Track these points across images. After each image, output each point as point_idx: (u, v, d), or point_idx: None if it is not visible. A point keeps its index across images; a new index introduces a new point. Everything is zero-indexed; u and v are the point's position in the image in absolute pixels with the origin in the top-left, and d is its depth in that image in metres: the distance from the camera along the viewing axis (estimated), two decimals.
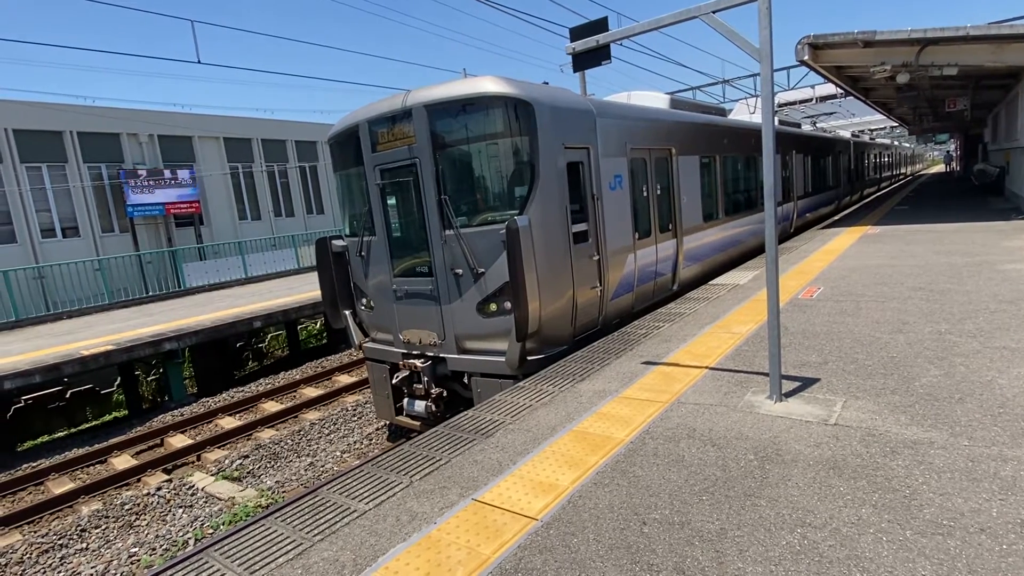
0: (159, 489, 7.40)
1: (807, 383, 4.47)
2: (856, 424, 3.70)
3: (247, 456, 8.13)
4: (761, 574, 2.44)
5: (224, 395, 11.11)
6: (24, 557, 6.25)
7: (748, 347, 5.54)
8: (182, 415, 10.18)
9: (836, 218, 18.81)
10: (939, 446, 3.32)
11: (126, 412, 12.04)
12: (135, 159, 20.62)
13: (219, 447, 8.68)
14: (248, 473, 7.74)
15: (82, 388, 12.22)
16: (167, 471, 8.05)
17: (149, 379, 13.25)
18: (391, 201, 6.71)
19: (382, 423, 8.77)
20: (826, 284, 7.95)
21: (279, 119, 25.77)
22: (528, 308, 5.67)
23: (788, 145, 14.67)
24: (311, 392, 10.69)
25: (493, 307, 6.12)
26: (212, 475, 7.74)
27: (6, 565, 6.14)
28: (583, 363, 5.63)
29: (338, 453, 8.09)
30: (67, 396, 11.76)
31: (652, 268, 8.14)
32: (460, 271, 6.20)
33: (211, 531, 6.45)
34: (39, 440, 10.90)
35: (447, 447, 4.08)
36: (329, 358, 13.12)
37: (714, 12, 4.00)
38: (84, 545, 6.42)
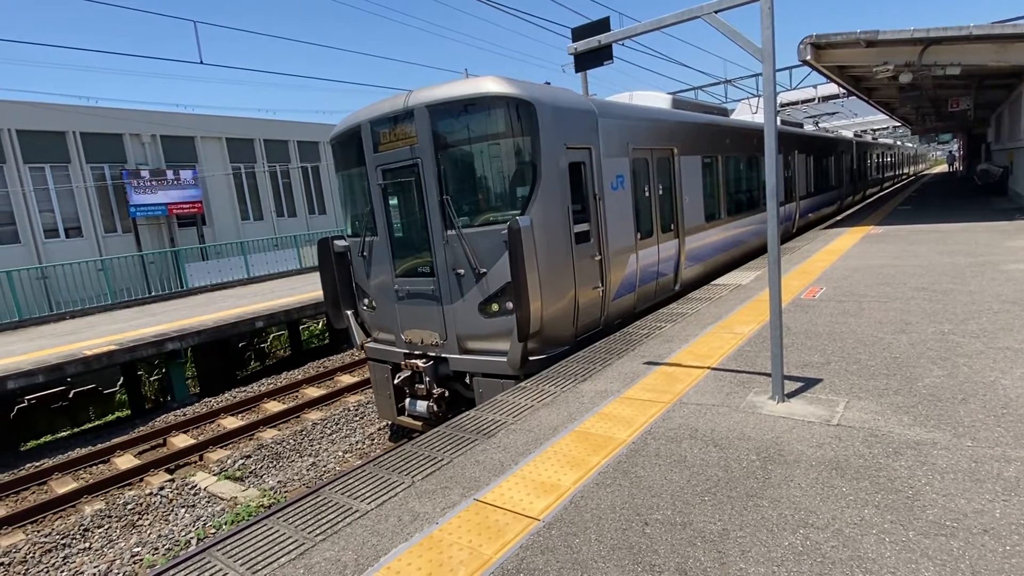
0: (162, 489, 7.41)
1: (809, 383, 4.46)
2: (859, 424, 3.69)
3: (249, 456, 8.15)
4: (763, 575, 2.44)
5: (226, 395, 11.13)
6: (27, 556, 6.27)
7: (750, 347, 5.53)
8: (184, 415, 10.20)
9: (839, 218, 18.79)
10: (942, 447, 3.31)
11: (129, 412, 12.06)
12: (138, 159, 20.68)
13: (221, 447, 8.70)
14: (250, 473, 7.75)
15: (85, 388, 12.24)
16: (170, 471, 8.06)
17: (152, 379, 13.27)
18: (393, 201, 6.72)
19: (384, 423, 8.77)
20: (829, 284, 7.93)
21: (281, 119, 25.86)
22: (530, 308, 5.67)
23: (790, 145, 14.65)
24: (313, 392, 10.70)
25: (495, 307, 6.12)
26: (214, 475, 7.76)
27: (10, 564, 6.16)
28: (585, 363, 5.63)
29: (340, 453, 8.10)
30: (70, 396, 11.79)
31: (654, 268, 8.13)
32: (462, 271, 6.20)
33: (213, 531, 6.46)
34: (42, 440, 10.93)
35: (449, 447, 4.08)
36: (331, 358, 13.14)
37: (716, 12, 4.00)
38: (87, 544, 6.43)
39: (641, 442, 3.80)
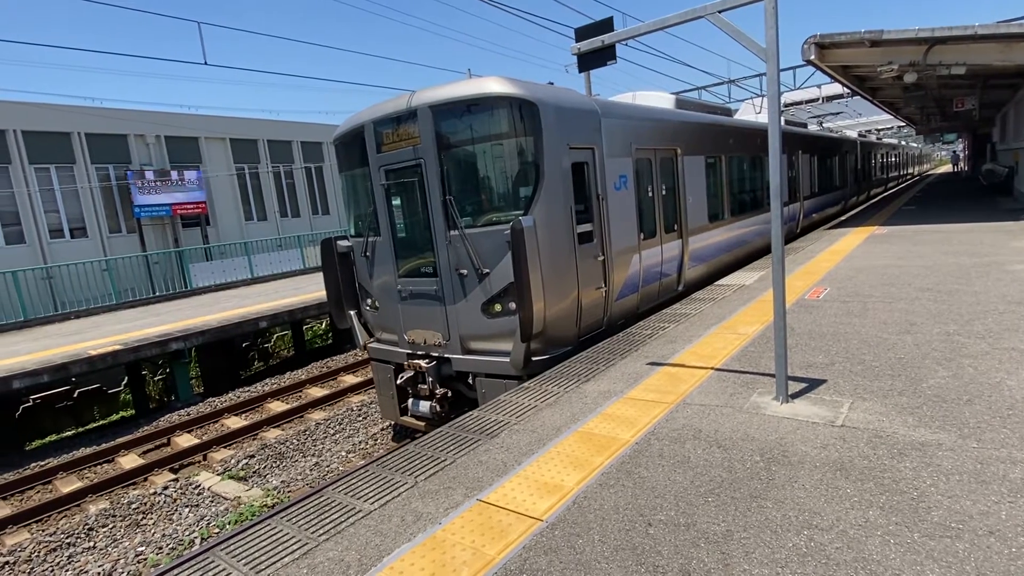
0: (166, 488, 7.44)
1: (814, 384, 4.45)
2: (863, 425, 3.68)
3: (253, 456, 8.17)
4: None
5: (230, 395, 11.16)
6: (32, 555, 6.30)
7: (754, 348, 5.52)
8: (188, 415, 10.23)
9: (843, 218, 18.72)
10: (947, 448, 3.30)
11: (133, 412, 12.11)
12: (142, 160, 20.76)
13: (225, 447, 8.72)
14: (254, 473, 7.77)
15: (90, 388, 12.28)
16: (174, 470, 8.09)
17: (156, 379, 13.31)
18: (396, 201, 6.72)
19: (387, 423, 8.78)
20: (833, 285, 7.91)
21: (284, 120, 25.92)
22: (533, 308, 5.66)
23: (794, 145, 14.61)
24: (316, 392, 10.72)
25: (498, 307, 6.12)
26: (218, 475, 7.78)
27: (15, 563, 6.19)
28: (588, 364, 5.62)
29: (343, 453, 8.11)
30: (75, 395, 11.83)
31: (657, 268, 8.11)
32: (465, 271, 6.20)
33: (217, 530, 6.48)
34: (47, 439, 10.97)
35: (452, 447, 4.08)
36: (334, 358, 13.16)
37: (720, 12, 3.99)
38: (91, 544, 6.46)
39: (645, 443, 3.79)
